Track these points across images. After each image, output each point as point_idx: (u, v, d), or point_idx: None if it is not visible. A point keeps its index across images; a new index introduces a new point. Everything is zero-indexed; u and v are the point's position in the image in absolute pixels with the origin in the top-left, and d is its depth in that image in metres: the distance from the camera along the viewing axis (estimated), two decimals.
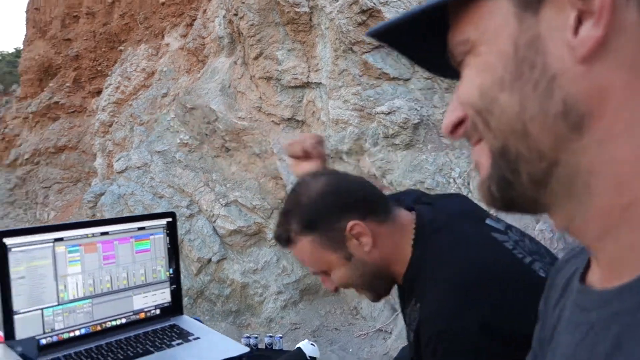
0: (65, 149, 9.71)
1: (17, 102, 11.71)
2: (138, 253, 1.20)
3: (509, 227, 0.96)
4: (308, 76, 5.64)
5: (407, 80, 5.11)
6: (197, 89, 6.52)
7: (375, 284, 0.99)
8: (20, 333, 1.00)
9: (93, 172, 8.73)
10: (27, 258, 1.03)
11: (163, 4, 8.52)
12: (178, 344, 1.11)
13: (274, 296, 5.42)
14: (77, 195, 8.86)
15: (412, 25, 0.44)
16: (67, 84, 10.22)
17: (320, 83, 5.51)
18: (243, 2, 5.85)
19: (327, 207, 0.94)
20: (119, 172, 6.60)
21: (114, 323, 1.15)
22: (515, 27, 0.38)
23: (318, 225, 0.94)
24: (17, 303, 1.02)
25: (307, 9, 5.51)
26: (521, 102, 0.38)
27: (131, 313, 1.19)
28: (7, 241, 1.01)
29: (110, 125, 8.23)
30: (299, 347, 3.92)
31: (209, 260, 5.59)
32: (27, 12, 12.27)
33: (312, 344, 4.14)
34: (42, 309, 1.05)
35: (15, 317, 1.01)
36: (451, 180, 4.59)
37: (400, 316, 4.74)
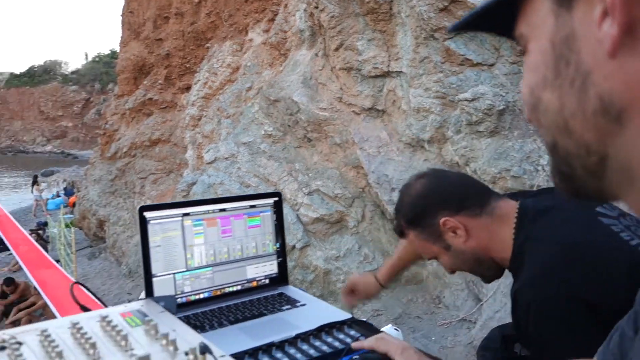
0: (158, 142, 10.41)
1: (115, 100, 12.67)
2: (250, 228, 1.34)
3: (623, 214, 0.99)
4: (388, 65, 5.65)
5: (491, 65, 4.97)
6: (279, 82, 6.75)
7: (479, 269, 1.12)
8: (158, 293, 1.18)
9: (184, 164, 9.30)
10: (162, 229, 1.20)
11: (246, 1, 8.85)
12: (287, 309, 1.24)
13: None
14: (170, 186, 9.48)
15: (494, 10, 0.44)
16: (159, 82, 10.90)
17: (401, 72, 5.50)
18: None
19: (423, 206, 1.10)
20: (209, 163, 7.01)
21: (231, 289, 1.31)
22: (552, 24, 0.38)
23: (418, 222, 1.11)
24: (155, 267, 1.19)
25: None
26: (560, 99, 0.38)
27: (245, 281, 1.33)
28: (147, 215, 1.19)
29: (199, 119, 8.73)
30: (382, 331, 4.00)
31: (293, 247, 5.80)
32: (122, 15, 13.20)
33: (395, 329, 4.21)
34: (174, 273, 1.22)
35: (154, 279, 1.19)
36: (539, 167, 4.44)
37: (485, 306, 4.67)
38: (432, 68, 5.10)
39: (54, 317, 2.12)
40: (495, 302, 4.41)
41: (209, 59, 9.27)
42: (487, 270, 1.10)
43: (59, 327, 0.89)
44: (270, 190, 6.11)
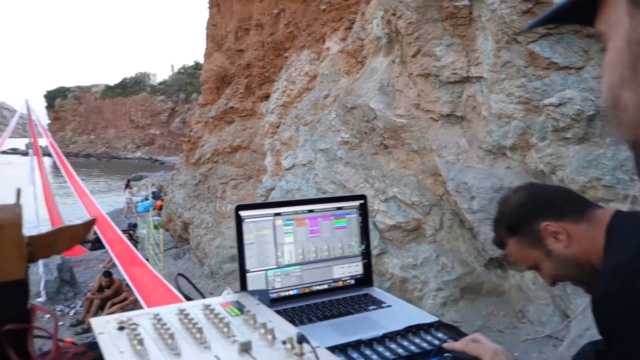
0: (239, 149, 10.83)
1: (199, 108, 13.35)
2: (337, 229, 1.38)
3: None
4: (468, 71, 5.53)
5: (579, 68, 4.72)
6: (356, 89, 6.80)
7: (580, 275, 1.11)
8: (251, 287, 1.25)
9: (263, 170, 9.61)
10: (256, 228, 1.28)
11: (324, 10, 9.02)
12: (373, 309, 1.27)
13: (433, 292, 5.43)
14: (250, 191, 9.82)
15: (578, 5, 0.44)
16: (240, 91, 11.36)
17: (481, 77, 5.36)
18: (401, 2, 5.95)
19: (523, 213, 1.13)
20: (287, 169, 7.19)
21: (318, 287, 1.35)
22: (628, 24, 0.38)
23: (519, 229, 1.14)
24: (248, 263, 1.27)
25: (466, 2, 5.41)
26: (639, 98, 0.38)
27: (331, 280, 1.37)
28: (242, 213, 1.26)
29: (278, 127, 8.99)
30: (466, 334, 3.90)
31: None
32: (206, 28, 13.91)
33: None
34: (265, 270, 1.29)
35: (248, 274, 1.26)
36: (635, 177, 4.14)
37: (574, 322, 4.41)
38: (514, 72, 4.93)
39: None
40: (585, 319, 4.16)
41: (288, 68, 9.53)
42: (589, 277, 1.07)
43: (168, 312, 0.97)
44: None
